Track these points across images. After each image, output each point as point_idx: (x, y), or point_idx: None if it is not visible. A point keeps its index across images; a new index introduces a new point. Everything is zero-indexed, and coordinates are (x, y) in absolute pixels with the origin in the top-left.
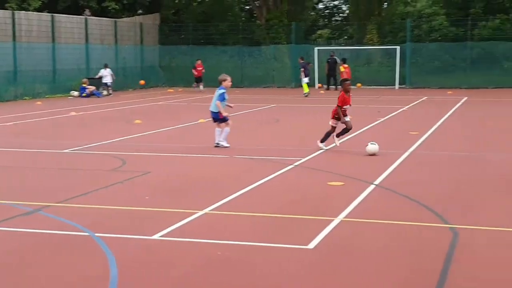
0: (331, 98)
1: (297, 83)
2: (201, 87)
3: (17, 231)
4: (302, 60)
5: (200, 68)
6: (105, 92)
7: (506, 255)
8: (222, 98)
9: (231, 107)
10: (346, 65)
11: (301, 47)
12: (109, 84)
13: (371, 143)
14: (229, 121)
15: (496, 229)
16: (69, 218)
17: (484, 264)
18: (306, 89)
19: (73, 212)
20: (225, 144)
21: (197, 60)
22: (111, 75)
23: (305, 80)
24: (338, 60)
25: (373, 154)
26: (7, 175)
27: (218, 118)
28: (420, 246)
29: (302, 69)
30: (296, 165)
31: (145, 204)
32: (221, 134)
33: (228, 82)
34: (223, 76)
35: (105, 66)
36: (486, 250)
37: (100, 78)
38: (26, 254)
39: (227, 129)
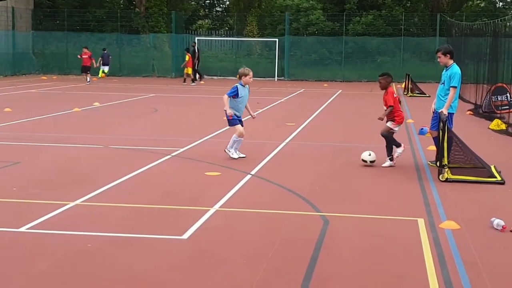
0: (209, 89)
1: (177, 73)
2: (88, 78)
3: None
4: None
5: (86, 56)
6: None
7: (374, 241)
8: (232, 92)
9: (253, 117)
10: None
11: (181, 37)
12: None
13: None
14: (239, 127)
15: (365, 216)
16: None
17: (353, 250)
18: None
19: None
20: (232, 154)
21: (84, 47)
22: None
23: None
24: (197, 51)
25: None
26: None
27: (228, 119)
28: (292, 234)
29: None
30: (173, 155)
31: (12, 196)
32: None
33: (249, 78)
34: (244, 70)
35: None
36: (355, 237)
37: None
38: None
39: (234, 136)
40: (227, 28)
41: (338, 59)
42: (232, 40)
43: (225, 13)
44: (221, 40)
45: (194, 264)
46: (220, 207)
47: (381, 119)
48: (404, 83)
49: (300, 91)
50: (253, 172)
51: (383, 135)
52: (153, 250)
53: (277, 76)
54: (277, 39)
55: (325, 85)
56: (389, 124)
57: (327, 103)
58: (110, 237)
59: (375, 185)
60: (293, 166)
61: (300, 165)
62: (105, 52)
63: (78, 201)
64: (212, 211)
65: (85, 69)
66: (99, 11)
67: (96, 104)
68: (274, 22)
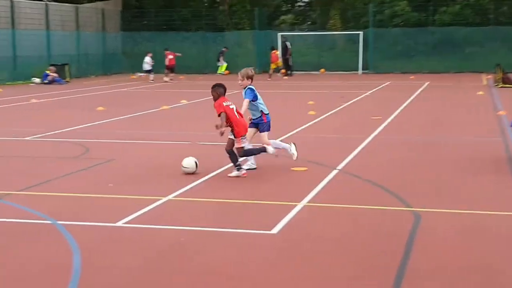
0: (293, 84)
1: (261, 68)
2: (165, 78)
3: None
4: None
5: (172, 57)
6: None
7: (467, 237)
8: (251, 95)
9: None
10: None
11: (264, 33)
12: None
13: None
14: (265, 134)
15: (458, 211)
16: (31, 206)
17: (446, 246)
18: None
19: (35, 200)
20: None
21: (165, 49)
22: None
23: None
24: (289, 46)
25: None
26: None
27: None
28: (382, 229)
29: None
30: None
31: (109, 192)
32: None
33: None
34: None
35: (147, 54)
36: (448, 233)
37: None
38: None
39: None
40: (309, 23)
41: (425, 50)
42: (315, 34)
43: (308, 8)
44: (304, 34)
45: (284, 258)
46: (308, 202)
47: (218, 127)
48: (494, 73)
49: (386, 84)
50: (339, 167)
51: (227, 151)
52: (244, 244)
53: (362, 69)
54: (361, 32)
55: (412, 77)
56: (232, 137)
57: (414, 95)
58: (202, 231)
59: (466, 179)
60: (380, 160)
61: (388, 160)
62: (224, 49)
63: (170, 196)
64: (300, 206)
65: (170, 68)
66: (184, 10)
67: (184, 101)
68: (358, 15)
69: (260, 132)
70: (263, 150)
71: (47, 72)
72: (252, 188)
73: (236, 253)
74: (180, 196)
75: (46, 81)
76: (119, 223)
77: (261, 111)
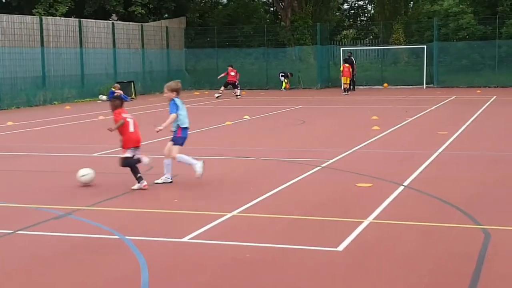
0: (356, 99)
1: (323, 84)
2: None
3: (48, 235)
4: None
5: (233, 74)
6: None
7: None
8: (174, 109)
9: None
10: (346, 64)
11: (326, 48)
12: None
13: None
14: (175, 147)
15: None
16: (99, 222)
17: None
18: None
19: (103, 216)
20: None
21: (229, 65)
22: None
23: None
24: (354, 61)
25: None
26: (37, 179)
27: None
28: (451, 247)
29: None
30: (323, 167)
31: (174, 207)
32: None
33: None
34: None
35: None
36: None
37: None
38: (58, 257)
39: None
40: (372, 37)
41: (491, 64)
42: (378, 48)
43: (370, 22)
44: (366, 49)
45: (351, 277)
46: (374, 219)
47: (110, 130)
48: None
49: (451, 98)
50: (406, 183)
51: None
52: (309, 261)
53: (426, 84)
54: (425, 46)
55: (478, 91)
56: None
57: (481, 110)
58: (268, 247)
59: None
60: (448, 176)
61: (456, 176)
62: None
63: (235, 212)
64: (366, 223)
65: (231, 84)
66: (246, 26)
67: (246, 117)
68: (422, 29)
69: (172, 142)
70: (139, 161)
71: (113, 89)
72: (317, 205)
73: (302, 270)
74: (245, 212)
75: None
76: (185, 239)
77: (178, 125)
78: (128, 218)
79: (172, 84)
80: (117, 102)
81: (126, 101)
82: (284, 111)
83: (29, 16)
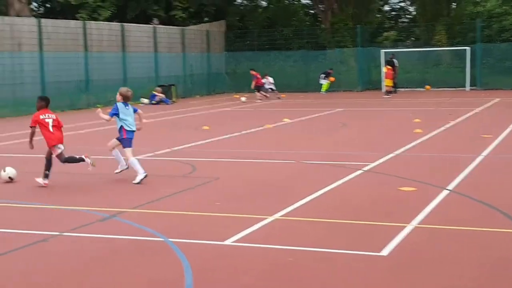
0: (398, 101)
1: (364, 86)
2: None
3: (94, 237)
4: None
5: (258, 77)
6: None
7: None
8: (111, 112)
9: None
10: (389, 66)
11: (367, 50)
12: (274, 88)
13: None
14: (127, 150)
15: None
16: (143, 224)
17: None
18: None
19: (147, 218)
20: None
21: (251, 69)
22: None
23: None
24: (397, 63)
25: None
26: (81, 182)
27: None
28: (496, 253)
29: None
30: (365, 170)
31: (216, 210)
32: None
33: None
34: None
35: (265, 76)
36: None
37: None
38: (102, 259)
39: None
40: (413, 39)
41: None
42: (419, 50)
43: (412, 24)
44: (407, 51)
45: (397, 282)
46: (418, 223)
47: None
48: None
49: (495, 100)
50: (450, 187)
51: (45, 158)
52: (353, 266)
53: (469, 86)
54: (468, 47)
55: None
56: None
57: None
58: (310, 251)
59: None
60: (493, 180)
61: (501, 180)
62: (330, 71)
63: (276, 215)
64: (409, 227)
65: (258, 88)
66: (286, 29)
67: (286, 120)
68: (464, 30)
69: (122, 147)
70: (82, 159)
71: (154, 93)
72: (359, 209)
73: (345, 275)
74: (286, 216)
75: (154, 102)
76: (228, 242)
77: (121, 126)
78: (171, 220)
79: (122, 90)
80: (42, 103)
81: (167, 104)
82: (324, 114)
83: (73, 21)
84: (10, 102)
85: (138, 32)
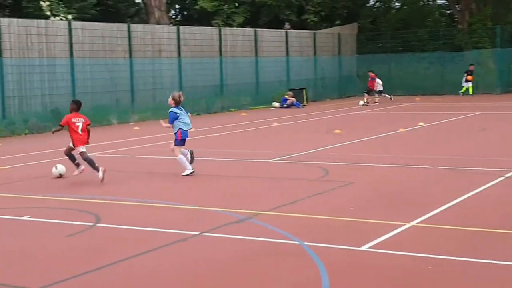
0: None
1: (503, 88)
2: (364, 100)
3: (230, 237)
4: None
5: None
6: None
7: None
8: (170, 120)
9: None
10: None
11: (507, 51)
12: (381, 91)
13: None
14: (176, 148)
15: None
16: (278, 226)
17: None
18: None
19: (281, 221)
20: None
21: (370, 71)
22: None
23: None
24: None
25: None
26: (218, 183)
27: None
28: None
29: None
30: (507, 177)
31: (350, 215)
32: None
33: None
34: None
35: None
36: None
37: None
38: (239, 260)
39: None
40: None
41: None
42: None
43: None
44: None
45: None
46: None
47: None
48: None
49: None
50: None
51: (65, 154)
52: (496, 276)
53: None
54: None
55: None
56: (71, 145)
57: None
58: (450, 260)
59: None
60: None
61: None
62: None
63: (413, 222)
64: None
65: (370, 91)
66: (421, 31)
67: (421, 124)
68: None
69: (174, 144)
70: (97, 169)
71: (286, 96)
72: (501, 217)
73: (489, 285)
74: (424, 223)
75: (285, 105)
76: (364, 247)
77: (179, 128)
78: (305, 224)
79: (175, 94)
80: (73, 106)
81: (298, 107)
82: (462, 118)
83: (208, 27)
84: (151, 106)
85: (270, 37)
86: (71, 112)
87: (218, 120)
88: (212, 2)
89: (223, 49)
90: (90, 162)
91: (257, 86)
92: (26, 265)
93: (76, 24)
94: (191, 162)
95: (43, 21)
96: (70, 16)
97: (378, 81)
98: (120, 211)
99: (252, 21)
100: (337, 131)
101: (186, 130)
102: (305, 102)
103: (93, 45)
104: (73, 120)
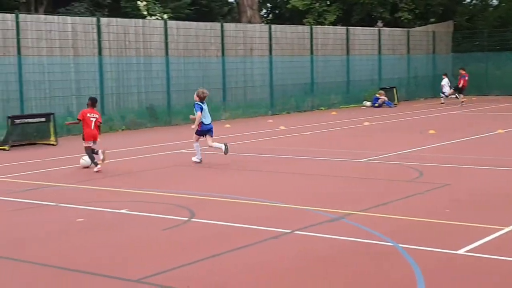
0: None
1: None
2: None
3: (322, 236)
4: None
5: (467, 78)
6: (442, 100)
7: None
8: (197, 109)
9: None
10: None
11: None
12: (446, 93)
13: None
14: (197, 137)
15: None
16: (371, 227)
17: None
18: None
19: (374, 221)
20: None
21: (461, 68)
22: (447, 84)
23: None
24: None
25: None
26: (309, 182)
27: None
28: None
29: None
30: None
31: (445, 217)
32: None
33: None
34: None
35: (444, 75)
36: None
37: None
38: (330, 259)
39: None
40: None
41: None
42: None
43: None
44: None
45: None
46: None
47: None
48: None
49: None
50: None
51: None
52: None
53: None
54: None
55: None
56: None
57: None
58: None
59: None
60: None
61: None
62: None
63: None
64: None
65: (460, 90)
66: None
67: None
68: None
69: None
70: (95, 163)
71: (377, 95)
72: None
73: None
74: None
75: (376, 104)
76: (461, 251)
77: (201, 122)
78: (399, 225)
79: (199, 91)
80: (88, 102)
81: (390, 107)
82: None
83: (300, 26)
84: (242, 104)
85: (362, 35)
86: (87, 108)
87: (308, 118)
88: (304, 0)
89: (314, 47)
90: (91, 157)
91: (348, 84)
92: (124, 257)
93: (171, 23)
94: (225, 153)
95: (140, 20)
96: (165, 16)
97: (446, 81)
98: (213, 207)
99: (344, 19)
100: (431, 131)
101: (206, 124)
102: (396, 101)
103: (187, 44)
104: (88, 115)
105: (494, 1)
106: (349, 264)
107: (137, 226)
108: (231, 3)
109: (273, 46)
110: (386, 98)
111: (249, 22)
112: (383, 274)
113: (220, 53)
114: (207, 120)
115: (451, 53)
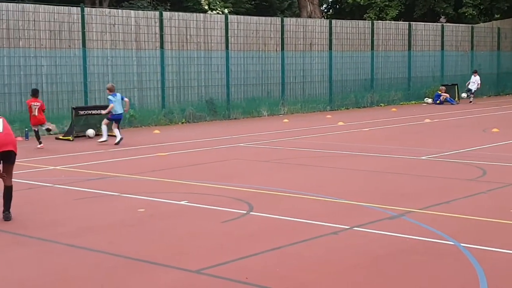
0: None
1: None
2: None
3: (382, 234)
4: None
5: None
6: (466, 97)
7: None
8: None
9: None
10: None
11: None
12: (472, 90)
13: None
14: (106, 121)
15: None
16: (432, 226)
17: None
18: None
19: (435, 220)
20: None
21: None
22: (476, 82)
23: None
24: None
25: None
26: (368, 179)
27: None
28: None
29: None
30: None
31: (510, 217)
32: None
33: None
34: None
35: (474, 73)
36: None
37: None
38: (390, 257)
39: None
40: None
41: None
42: None
43: None
44: None
45: None
46: None
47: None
48: None
49: None
50: None
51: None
52: None
53: None
54: None
55: None
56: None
57: None
58: None
59: None
60: None
61: None
62: None
63: None
64: None
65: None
66: None
67: None
68: None
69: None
70: (48, 130)
71: (439, 92)
72: None
73: None
74: None
75: (438, 101)
76: None
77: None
78: (462, 224)
79: (109, 85)
80: (33, 92)
81: (452, 104)
82: None
83: (361, 21)
84: (300, 99)
85: (424, 30)
86: (31, 98)
87: (367, 114)
88: None
89: (375, 43)
90: (38, 137)
91: (409, 81)
92: (184, 247)
93: (232, 18)
94: (116, 144)
95: (201, 14)
96: (226, 10)
97: (474, 78)
98: (271, 201)
99: (406, 14)
100: (494, 129)
101: (115, 114)
102: (457, 99)
103: (247, 38)
104: (32, 103)
105: None
106: (409, 261)
107: (197, 217)
108: None
109: (333, 41)
110: (448, 95)
111: (309, 17)
112: (444, 273)
113: (279, 48)
114: (119, 110)
115: None
